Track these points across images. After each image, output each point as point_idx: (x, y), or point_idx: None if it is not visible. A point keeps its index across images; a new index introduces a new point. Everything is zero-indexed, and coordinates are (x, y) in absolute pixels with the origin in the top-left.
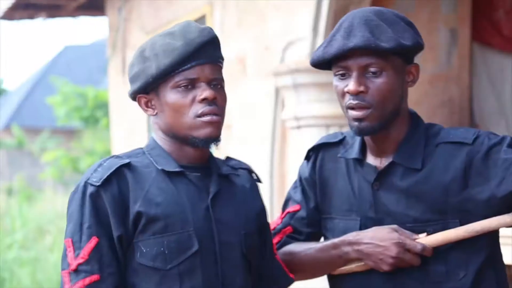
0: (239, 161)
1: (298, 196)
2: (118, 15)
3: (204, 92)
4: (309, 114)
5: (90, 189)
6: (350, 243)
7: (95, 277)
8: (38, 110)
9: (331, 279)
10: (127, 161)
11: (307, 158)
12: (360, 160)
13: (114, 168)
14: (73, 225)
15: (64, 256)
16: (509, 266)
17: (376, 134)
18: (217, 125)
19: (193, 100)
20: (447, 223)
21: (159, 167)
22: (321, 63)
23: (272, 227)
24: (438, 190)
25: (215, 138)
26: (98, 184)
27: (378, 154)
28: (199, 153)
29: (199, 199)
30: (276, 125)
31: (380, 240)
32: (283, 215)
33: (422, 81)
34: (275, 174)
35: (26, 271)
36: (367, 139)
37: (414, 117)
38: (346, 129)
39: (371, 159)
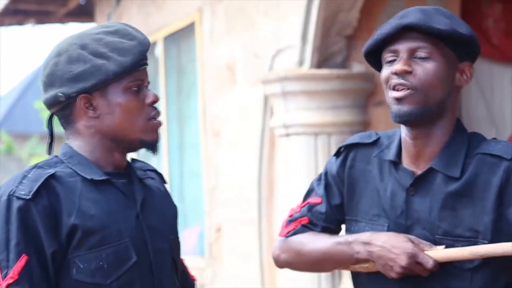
0: (144, 162)
1: (321, 190)
2: (107, 21)
3: (151, 95)
4: (298, 122)
5: (17, 203)
6: (364, 243)
7: None
8: (27, 116)
9: (355, 278)
10: (52, 171)
11: (337, 154)
12: (396, 163)
13: (42, 180)
14: None
15: None
16: None
17: (416, 123)
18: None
19: (142, 103)
20: (476, 242)
21: (87, 177)
22: (373, 49)
23: (290, 214)
24: (474, 205)
25: (159, 142)
26: (28, 197)
27: (416, 158)
28: (124, 160)
29: (128, 207)
30: (265, 132)
31: (393, 246)
32: (303, 204)
33: None
34: (263, 181)
35: None
36: (406, 142)
37: (458, 124)
38: (334, 138)
39: (407, 163)
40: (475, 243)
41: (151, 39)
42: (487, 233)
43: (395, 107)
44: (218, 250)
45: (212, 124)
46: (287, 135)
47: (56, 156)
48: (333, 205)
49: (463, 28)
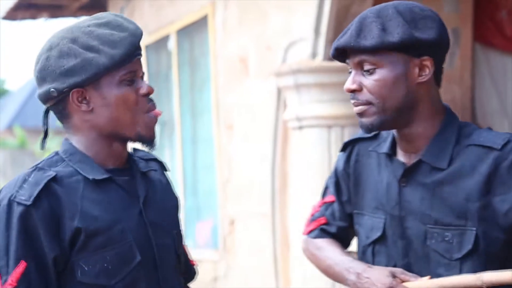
0: (145, 151)
1: (332, 188)
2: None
3: (145, 86)
4: (311, 115)
5: (18, 208)
6: (356, 273)
7: None
8: (40, 110)
9: None
10: (53, 174)
11: (343, 150)
12: (390, 156)
13: (43, 184)
14: None
15: None
16: None
17: (385, 129)
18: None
19: (137, 95)
20: (465, 230)
21: (89, 177)
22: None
23: (311, 212)
24: (461, 193)
25: (155, 137)
26: (28, 203)
27: (408, 150)
28: (125, 153)
29: (130, 205)
30: (278, 125)
31: (376, 280)
32: (321, 203)
33: None
34: (276, 174)
35: None
36: (396, 136)
37: (448, 114)
38: (347, 130)
39: (401, 155)
40: (464, 231)
41: (164, 32)
42: (474, 221)
43: (359, 120)
44: (232, 243)
45: (225, 117)
46: (300, 127)
47: (56, 154)
48: (343, 201)
49: (397, 33)
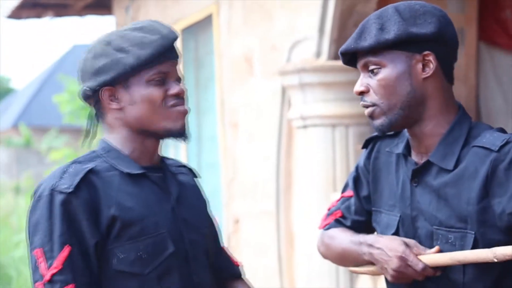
0: (174, 159)
1: (352, 183)
2: (125, 14)
3: (176, 87)
4: (315, 114)
5: (59, 197)
6: (368, 245)
7: (70, 286)
8: (46, 109)
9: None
10: (91, 166)
11: (365, 146)
12: (405, 156)
13: (82, 174)
14: (41, 235)
15: (35, 267)
16: None
17: (396, 128)
18: (186, 116)
19: (165, 94)
20: (466, 233)
21: (125, 170)
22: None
23: (329, 207)
24: (463, 196)
25: (186, 130)
26: (69, 191)
27: (419, 150)
28: (157, 152)
29: (164, 200)
30: (283, 124)
31: (389, 249)
32: (339, 198)
33: None
34: (281, 173)
35: None
36: (409, 136)
37: (460, 114)
38: (352, 130)
39: (414, 155)
40: (465, 234)
41: None
42: (473, 224)
43: (371, 122)
44: (236, 242)
45: (230, 116)
46: (305, 126)
47: (94, 151)
48: (362, 196)
49: (392, 31)
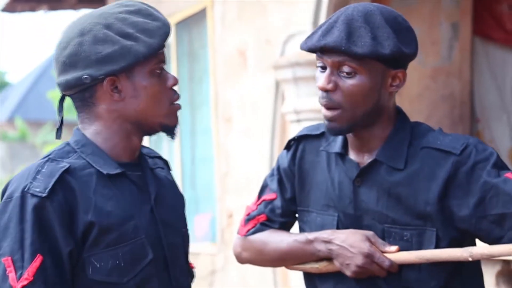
0: (150, 148)
1: (274, 185)
2: None
3: (171, 77)
4: (309, 108)
5: (32, 201)
6: (324, 241)
7: None
8: (41, 103)
9: (308, 278)
10: (66, 165)
11: (288, 148)
12: (342, 155)
13: (57, 176)
14: (11, 241)
15: (4, 277)
16: (508, 261)
17: (349, 132)
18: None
19: (165, 86)
20: (425, 230)
21: (103, 171)
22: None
23: (246, 212)
24: (419, 195)
25: (177, 125)
26: (43, 195)
27: (361, 150)
28: (140, 144)
29: (142, 201)
30: (276, 118)
31: (350, 245)
32: (259, 202)
33: (423, 75)
34: None
35: None
36: (349, 135)
37: (400, 115)
38: None
39: (353, 155)
40: (423, 231)
41: None
42: (433, 221)
43: (327, 123)
44: (230, 236)
45: (224, 110)
46: (298, 120)
47: (67, 144)
48: (287, 198)
49: (387, 46)
